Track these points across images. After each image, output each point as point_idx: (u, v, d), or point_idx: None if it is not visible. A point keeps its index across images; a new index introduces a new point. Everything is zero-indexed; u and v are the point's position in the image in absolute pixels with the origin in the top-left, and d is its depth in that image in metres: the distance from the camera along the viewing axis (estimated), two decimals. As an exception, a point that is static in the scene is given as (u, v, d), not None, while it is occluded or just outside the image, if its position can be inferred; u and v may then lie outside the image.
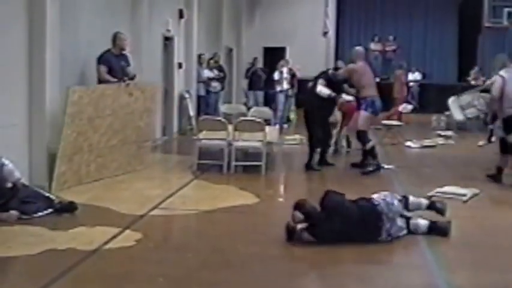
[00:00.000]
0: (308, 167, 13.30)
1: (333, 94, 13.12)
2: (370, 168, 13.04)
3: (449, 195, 10.58)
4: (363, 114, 13.07)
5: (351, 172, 13.19)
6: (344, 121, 15.16)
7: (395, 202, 8.21)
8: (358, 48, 13.84)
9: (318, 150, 13.53)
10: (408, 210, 8.42)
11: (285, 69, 22.31)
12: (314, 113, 13.26)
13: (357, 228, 7.85)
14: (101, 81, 12.02)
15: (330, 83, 13.27)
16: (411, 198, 8.56)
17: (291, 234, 7.99)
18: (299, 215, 8.01)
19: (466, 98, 16.07)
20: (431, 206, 8.68)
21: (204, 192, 11.09)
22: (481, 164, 14.55)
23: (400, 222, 8.14)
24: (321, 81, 13.31)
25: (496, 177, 12.29)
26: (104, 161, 11.56)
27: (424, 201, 8.71)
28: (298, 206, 8.09)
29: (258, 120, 13.26)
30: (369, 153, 13.21)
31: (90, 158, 11.20)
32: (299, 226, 7.99)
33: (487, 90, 13.84)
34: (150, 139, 13.00)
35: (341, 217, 7.87)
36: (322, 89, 13.07)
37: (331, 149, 14.68)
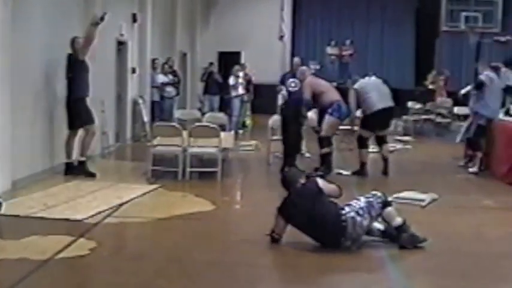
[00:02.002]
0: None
1: (317, 128, 13.68)
2: (322, 173, 13.21)
3: (407, 201, 10.68)
4: (328, 119, 13.28)
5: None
6: None
7: (365, 222, 7.92)
8: (302, 68, 14.17)
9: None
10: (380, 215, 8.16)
11: (240, 74, 22.35)
12: (290, 120, 13.51)
13: (317, 229, 7.89)
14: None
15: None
16: (389, 210, 8.14)
17: (276, 241, 8.10)
18: (282, 222, 8.07)
19: None
20: (399, 230, 8.10)
21: (159, 200, 11.08)
22: (439, 168, 14.78)
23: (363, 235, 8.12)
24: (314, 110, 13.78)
25: (361, 172, 13.64)
26: None
27: (398, 220, 8.12)
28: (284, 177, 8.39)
29: (213, 126, 13.28)
30: (322, 158, 13.51)
31: None
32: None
33: None
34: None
35: (306, 208, 7.93)
36: (313, 117, 13.37)
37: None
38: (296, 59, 15.52)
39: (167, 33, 23.43)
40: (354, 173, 13.61)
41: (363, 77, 14.09)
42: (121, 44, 17.93)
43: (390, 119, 14.36)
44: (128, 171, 14.13)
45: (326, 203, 8.05)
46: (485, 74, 14.18)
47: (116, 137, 17.70)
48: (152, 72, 20.29)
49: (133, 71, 18.83)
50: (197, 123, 14.19)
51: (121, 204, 10.35)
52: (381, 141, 13.94)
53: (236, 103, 22.08)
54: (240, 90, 22.15)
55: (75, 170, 12.68)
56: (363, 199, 8.12)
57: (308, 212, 7.90)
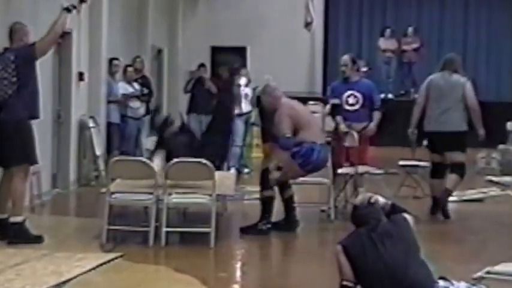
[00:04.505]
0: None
1: None
2: (263, 227, 13.31)
3: (508, 277, 10.56)
4: (288, 160, 13.47)
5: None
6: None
7: None
8: (270, 85, 14.70)
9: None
10: None
11: (243, 81, 22.17)
12: None
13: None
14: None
15: None
16: None
17: None
18: (348, 266, 8.12)
19: None
20: None
21: (119, 277, 11.04)
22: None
23: None
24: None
25: (434, 210, 14.67)
26: None
27: None
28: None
29: (203, 161, 13.21)
30: (263, 203, 13.63)
31: None
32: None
33: None
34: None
35: (397, 261, 7.98)
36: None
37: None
38: (345, 58, 15.48)
39: (133, 20, 23.52)
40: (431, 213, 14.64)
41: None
42: (61, 36, 17.87)
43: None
44: (70, 232, 14.11)
45: (420, 259, 8.13)
46: None
47: (53, 179, 17.68)
48: (109, 80, 20.33)
49: (81, 77, 18.84)
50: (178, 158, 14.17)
51: (60, 285, 10.29)
52: (454, 170, 14.62)
53: (239, 126, 21.99)
54: (244, 106, 22.02)
55: (11, 234, 12.56)
56: (463, 283, 8.27)
57: (397, 268, 7.93)
